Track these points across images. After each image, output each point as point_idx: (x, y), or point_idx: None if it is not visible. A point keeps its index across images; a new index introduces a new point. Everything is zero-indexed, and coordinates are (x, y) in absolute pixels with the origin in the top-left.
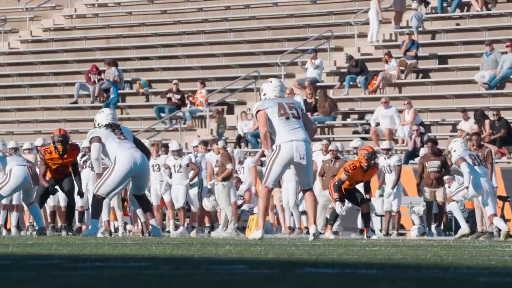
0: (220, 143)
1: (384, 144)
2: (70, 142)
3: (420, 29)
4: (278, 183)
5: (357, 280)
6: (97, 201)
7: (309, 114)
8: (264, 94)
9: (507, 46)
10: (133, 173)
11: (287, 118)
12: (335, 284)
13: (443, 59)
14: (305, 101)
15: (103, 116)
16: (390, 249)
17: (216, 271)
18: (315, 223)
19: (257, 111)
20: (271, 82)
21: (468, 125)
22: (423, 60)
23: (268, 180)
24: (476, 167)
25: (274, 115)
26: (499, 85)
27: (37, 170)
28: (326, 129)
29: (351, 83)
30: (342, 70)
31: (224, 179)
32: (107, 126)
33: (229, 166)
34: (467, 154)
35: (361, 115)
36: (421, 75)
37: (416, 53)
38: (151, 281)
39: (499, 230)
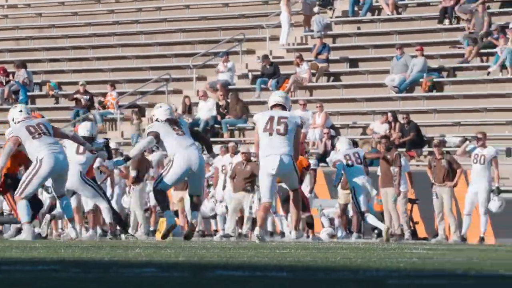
0: None
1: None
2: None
3: (323, 33)
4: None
5: (268, 283)
6: (161, 195)
7: (219, 117)
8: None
9: (417, 50)
10: (188, 174)
11: (270, 134)
12: (246, 286)
13: (354, 62)
14: (217, 103)
15: (162, 111)
16: (300, 251)
17: (127, 274)
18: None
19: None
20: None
21: (383, 128)
22: (334, 64)
23: (262, 195)
24: (350, 167)
25: (260, 130)
26: (408, 88)
27: None
28: (237, 132)
29: (262, 86)
30: (254, 73)
31: (135, 182)
32: (166, 121)
33: (132, 174)
34: (342, 155)
35: None
36: (332, 78)
37: (327, 57)
38: (64, 285)
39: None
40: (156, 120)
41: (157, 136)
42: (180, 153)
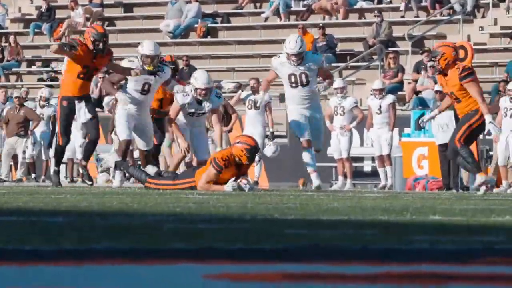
0: None
1: None
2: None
3: None
4: None
5: (43, 227)
6: None
7: None
8: None
9: None
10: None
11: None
12: (20, 231)
13: (128, 7)
14: None
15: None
16: (76, 197)
17: None
18: None
19: None
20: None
21: None
22: (108, 8)
23: None
24: None
25: None
26: (183, 34)
27: None
28: (11, 76)
29: (36, 30)
30: (27, 17)
31: None
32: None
33: None
34: None
35: (46, 62)
36: (106, 23)
37: (101, 1)
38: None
39: None
40: None
41: None
42: None
